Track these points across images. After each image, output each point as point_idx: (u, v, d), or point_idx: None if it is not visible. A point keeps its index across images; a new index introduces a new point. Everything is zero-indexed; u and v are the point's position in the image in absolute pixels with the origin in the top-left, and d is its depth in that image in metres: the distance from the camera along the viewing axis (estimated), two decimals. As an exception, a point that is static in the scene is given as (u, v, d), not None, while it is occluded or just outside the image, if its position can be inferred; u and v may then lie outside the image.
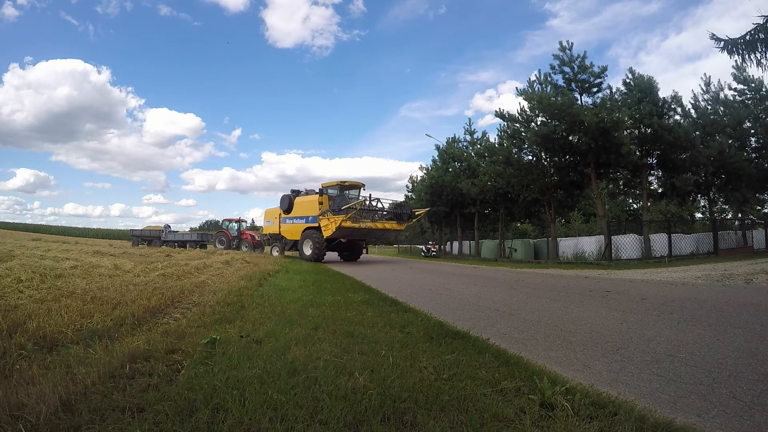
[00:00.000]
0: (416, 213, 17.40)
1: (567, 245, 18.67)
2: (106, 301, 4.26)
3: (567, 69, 14.95)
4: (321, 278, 8.29)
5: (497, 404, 1.87)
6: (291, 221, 18.16)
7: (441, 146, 24.12)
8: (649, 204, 18.00)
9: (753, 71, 18.03)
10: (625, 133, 14.28)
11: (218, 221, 58.01)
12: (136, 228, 32.01)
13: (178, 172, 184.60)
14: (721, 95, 16.56)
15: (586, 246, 17.22)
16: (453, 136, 24.19)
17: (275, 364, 2.36)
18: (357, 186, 17.76)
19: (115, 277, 6.86)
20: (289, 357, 2.54)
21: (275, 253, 18.90)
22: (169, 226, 29.96)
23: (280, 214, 18.75)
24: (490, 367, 2.41)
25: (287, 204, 18.20)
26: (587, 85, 14.92)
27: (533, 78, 15.88)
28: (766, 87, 15.84)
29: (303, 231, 16.72)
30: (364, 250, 19.03)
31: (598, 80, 14.80)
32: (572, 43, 14.91)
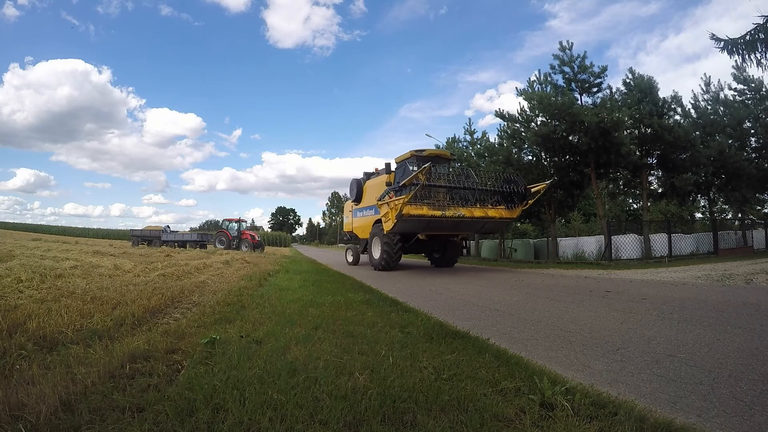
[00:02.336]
0: (533, 189, 10.93)
1: (567, 245, 18.66)
2: (106, 301, 4.26)
3: (567, 69, 14.93)
4: (321, 278, 8.29)
5: (497, 404, 1.87)
6: (361, 213, 13.52)
7: (441, 146, 24.13)
8: (649, 204, 17.99)
9: (753, 71, 18.10)
10: (625, 133, 14.29)
11: (218, 221, 58.19)
12: (136, 228, 32.01)
13: (179, 172, 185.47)
14: (721, 95, 16.57)
15: (586, 246, 17.21)
16: (453, 136, 24.16)
17: (275, 364, 2.36)
18: (444, 157, 11.96)
19: (115, 277, 6.86)
20: (289, 357, 2.54)
21: (349, 258, 14.55)
22: (169, 227, 29.95)
23: (352, 207, 14.36)
24: (490, 367, 2.41)
25: (355, 191, 13.70)
26: (587, 85, 14.90)
27: (533, 78, 15.85)
28: (766, 87, 15.84)
29: (372, 226, 11.92)
30: (464, 250, 13.59)
31: (598, 80, 14.79)
32: (572, 43, 14.89)
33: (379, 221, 11.13)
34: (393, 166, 11.91)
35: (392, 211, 9.61)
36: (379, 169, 13.07)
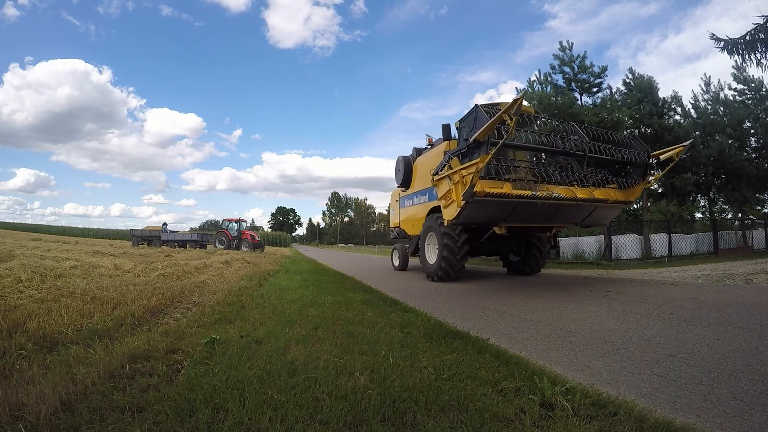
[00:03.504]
0: (663, 156, 7.24)
1: (567, 245, 18.64)
2: (106, 301, 4.26)
3: (567, 69, 14.98)
4: (321, 278, 8.30)
5: (497, 404, 1.87)
6: (410, 202, 10.36)
7: (441, 146, 24.07)
8: (649, 204, 18.00)
9: (753, 71, 18.08)
10: (625, 133, 14.31)
11: (218, 221, 58.20)
12: (136, 228, 32.01)
13: (179, 172, 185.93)
14: (721, 95, 16.60)
15: (586, 246, 17.19)
16: (454, 136, 24.16)
17: (275, 364, 2.36)
18: (530, 114, 8.10)
19: (115, 277, 6.86)
20: (289, 357, 2.54)
21: (395, 262, 11.76)
22: (167, 224, 29.92)
23: (399, 194, 11.29)
24: (490, 367, 2.41)
25: (402, 173, 10.39)
26: (587, 85, 14.95)
27: (533, 78, 15.88)
28: (766, 87, 15.86)
29: (426, 217, 8.77)
30: (553, 251, 9.97)
31: (598, 80, 14.85)
32: (572, 43, 14.95)
33: (435, 210, 8.17)
34: (454, 132, 7.74)
35: (457, 188, 6.35)
36: (435, 140, 9.64)
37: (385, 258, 23.23)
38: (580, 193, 6.85)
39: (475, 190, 5.87)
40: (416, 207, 9.89)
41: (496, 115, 5.46)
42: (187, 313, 4.22)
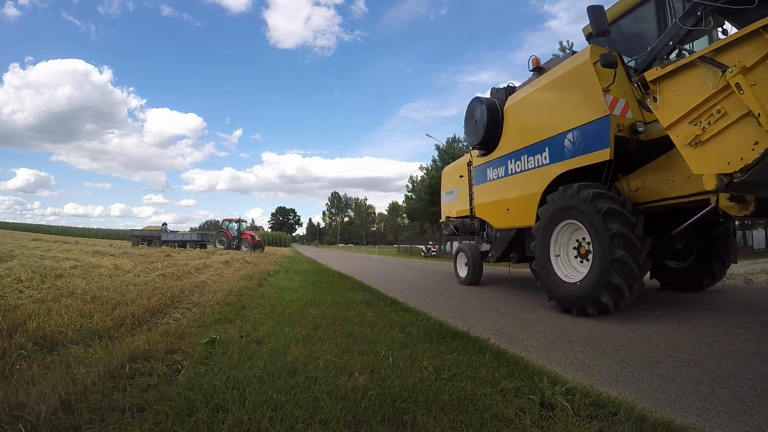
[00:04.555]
0: None
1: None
2: (106, 301, 4.26)
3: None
4: (321, 278, 8.29)
5: (497, 404, 1.87)
6: (500, 171, 6.31)
7: (441, 146, 24.23)
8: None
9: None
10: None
11: (218, 221, 58.20)
12: (136, 228, 31.97)
13: (179, 172, 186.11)
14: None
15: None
16: (453, 136, 24.23)
17: (275, 364, 2.36)
18: None
19: (115, 277, 6.86)
20: (289, 357, 2.54)
21: (461, 272, 7.51)
22: (167, 224, 29.87)
23: (469, 164, 7.42)
24: (490, 367, 2.41)
25: (484, 125, 6.24)
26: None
27: (534, 78, 15.76)
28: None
29: (547, 194, 4.92)
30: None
31: (599, 80, 14.75)
32: (572, 43, 14.93)
33: (566, 176, 4.84)
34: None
35: (751, 83, 2.87)
36: (544, 62, 6.00)
37: (385, 258, 23.20)
38: None
39: None
40: (516, 178, 5.90)
41: None
42: (187, 313, 4.22)
